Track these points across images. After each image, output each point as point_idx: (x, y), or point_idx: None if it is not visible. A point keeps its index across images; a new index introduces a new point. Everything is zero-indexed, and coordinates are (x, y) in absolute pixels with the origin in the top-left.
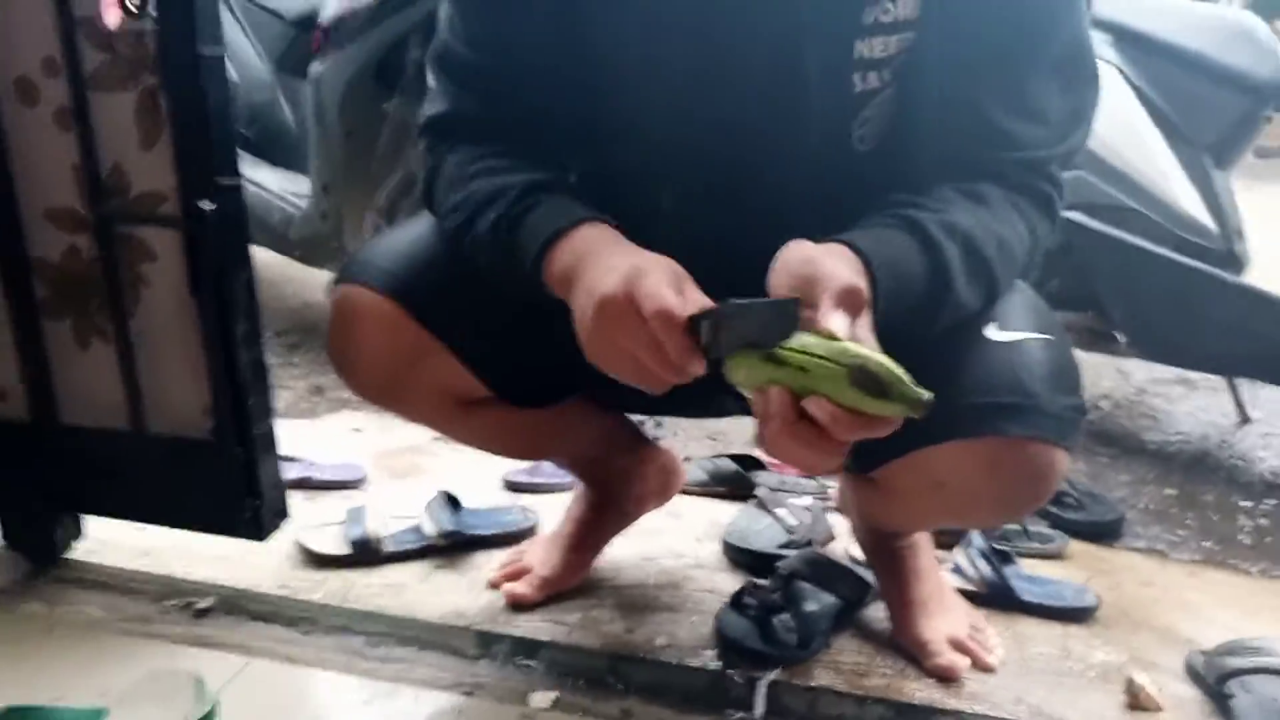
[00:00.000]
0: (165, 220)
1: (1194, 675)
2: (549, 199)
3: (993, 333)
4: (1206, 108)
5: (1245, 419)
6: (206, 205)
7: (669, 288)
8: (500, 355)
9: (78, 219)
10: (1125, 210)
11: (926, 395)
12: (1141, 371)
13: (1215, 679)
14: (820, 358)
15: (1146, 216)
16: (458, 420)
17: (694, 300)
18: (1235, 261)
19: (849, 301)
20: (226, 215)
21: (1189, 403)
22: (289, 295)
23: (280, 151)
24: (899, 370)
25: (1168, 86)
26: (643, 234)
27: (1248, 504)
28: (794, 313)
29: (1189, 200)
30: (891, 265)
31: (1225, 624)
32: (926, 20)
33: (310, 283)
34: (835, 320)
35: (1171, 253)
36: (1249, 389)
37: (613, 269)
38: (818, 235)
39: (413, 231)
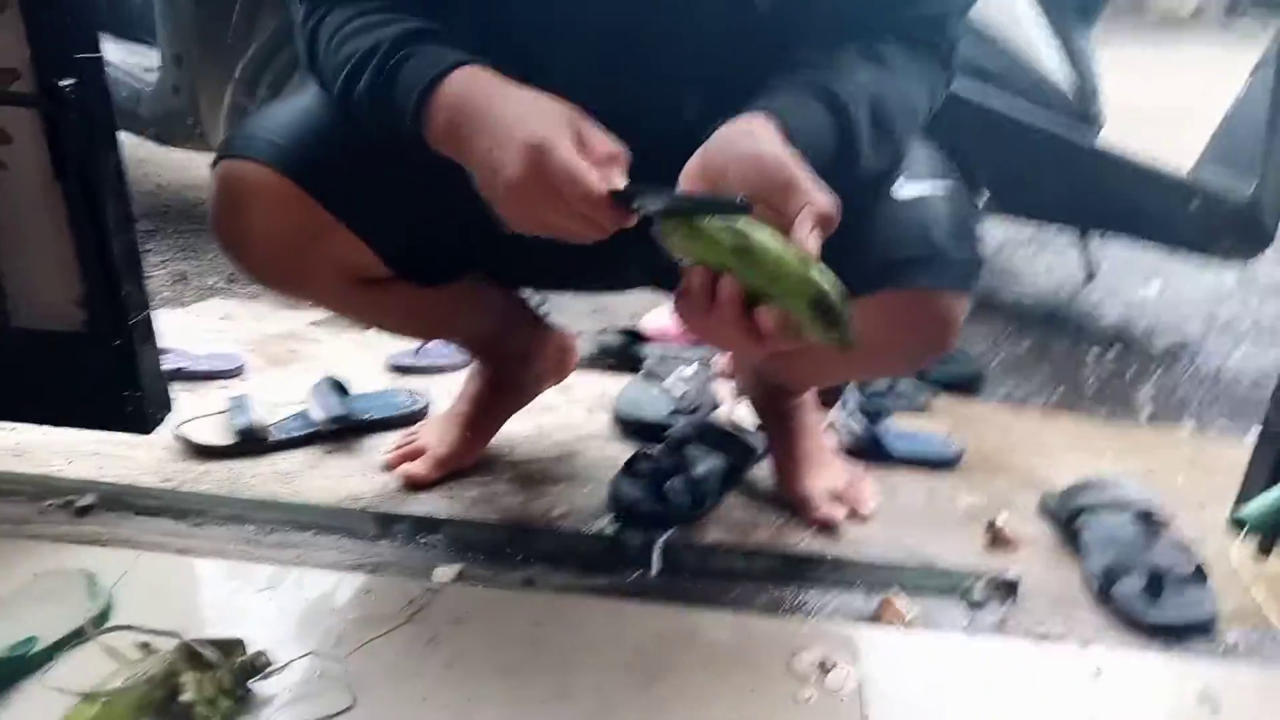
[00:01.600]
0: (20, 99)
1: (1047, 513)
2: (422, 48)
3: (900, 187)
4: None
5: (1091, 275)
6: (65, 82)
7: (576, 155)
8: (398, 231)
9: None
10: (988, 72)
11: (854, 339)
12: (1000, 231)
13: (1066, 516)
14: (791, 268)
15: (1008, 76)
16: (357, 300)
17: (601, 151)
18: (1092, 120)
19: (825, 224)
20: (89, 93)
21: (1040, 262)
22: (141, 178)
23: (124, 24)
24: (846, 305)
25: None
26: None
27: (1094, 354)
28: (743, 214)
29: (1051, 61)
30: (807, 137)
31: (1075, 465)
32: None
33: (165, 163)
34: (812, 242)
35: (1031, 109)
36: (1095, 247)
37: (507, 140)
38: (712, 99)
39: (301, 101)
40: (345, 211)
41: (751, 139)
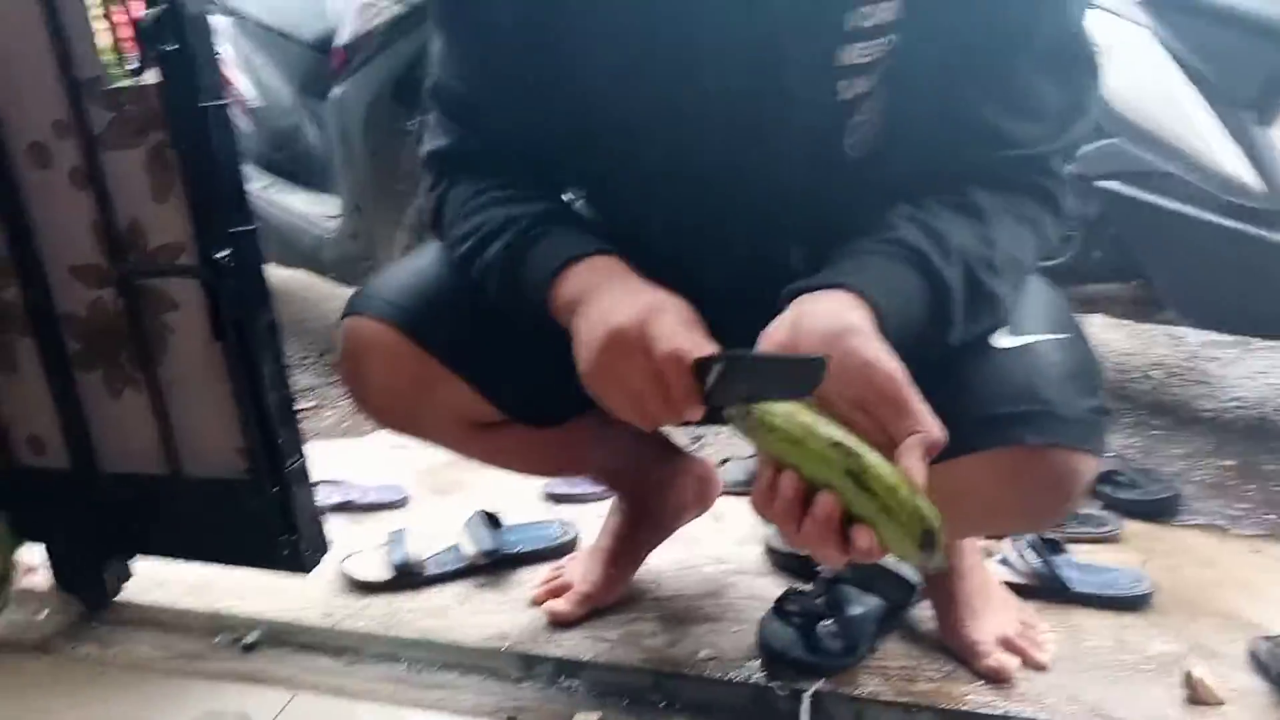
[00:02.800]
0: (184, 270)
1: (1258, 664)
2: (561, 229)
3: (1001, 339)
4: (1245, 63)
5: None
6: (223, 254)
7: (684, 329)
8: (510, 377)
9: (101, 274)
10: (1163, 175)
11: (945, 564)
12: (1195, 337)
13: None
14: (904, 501)
15: (1184, 179)
16: (475, 443)
17: (701, 342)
18: None
19: (933, 451)
20: (242, 261)
21: (1245, 365)
22: (328, 313)
23: (308, 174)
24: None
25: (1203, 44)
26: (639, 257)
27: None
28: (818, 375)
29: (1230, 160)
30: (897, 313)
31: None
32: (908, 22)
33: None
34: (919, 471)
35: (1214, 215)
36: None
37: (627, 302)
38: (813, 247)
39: (417, 261)
40: (457, 363)
41: (850, 334)
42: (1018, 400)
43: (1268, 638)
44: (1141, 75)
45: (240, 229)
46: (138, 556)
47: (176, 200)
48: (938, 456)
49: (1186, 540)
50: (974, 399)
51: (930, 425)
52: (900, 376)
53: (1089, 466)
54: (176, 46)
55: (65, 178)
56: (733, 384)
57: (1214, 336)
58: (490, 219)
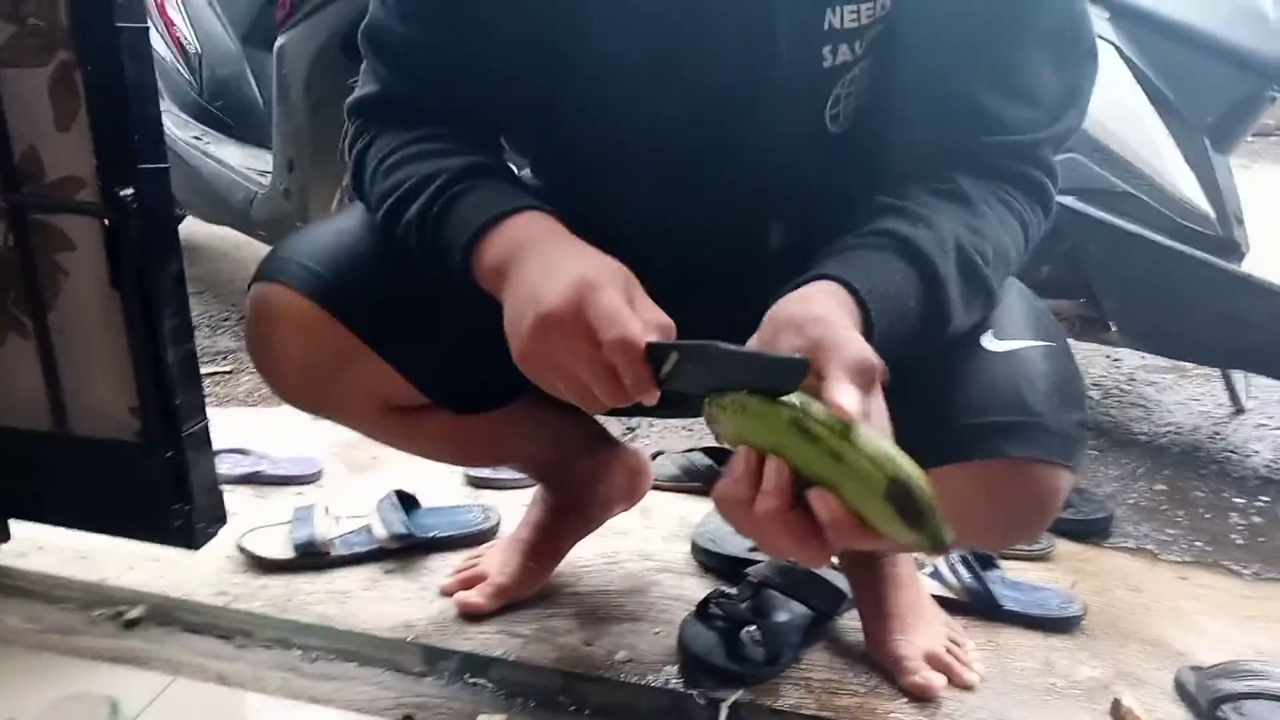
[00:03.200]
0: (83, 208)
1: (1184, 695)
2: (486, 183)
3: (990, 342)
4: (1207, 87)
5: (1239, 409)
6: (127, 192)
7: (625, 306)
8: (435, 358)
9: None
10: (1119, 194)
11: (950, 537)
12: (1133, 359)
13: (1208, 702)
14: (859, 451)
15: (1142, 201)
16: (393, 428)
17: (648, 317)
18: (1233, 248)
19: (862, 376)
20: (149, 202)
21: (1181, 392)
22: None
23: (247, 127)
24: (934, 494)
25: (1167, 65)
26: (598, 226)
27: (1240, 500)
28: (799, 375)
29: (1186, 184)
30: (888, 301)
31: (1217, 634)
32: None
33: None
34: (846, 394)
35: (1167, 239)
36: (1243, 378)
37: (557, 273)
38: (788, 222)
39: (339, 222)
40: (378, 340)
41: (804, 304)
42: (1004, 409)
43: (1195, 668)
44: (1105, 92)
45: (150, 166)
46: (13, 519)
47: (81, 130)
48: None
49: (1117, 562)
50: (957, 405)
51: (847, 349)
52: (822, 316)
53: (1068, 483)
54: None
55: None
56: (693, 373)
57: (1151, 361)
58: (413, 174)
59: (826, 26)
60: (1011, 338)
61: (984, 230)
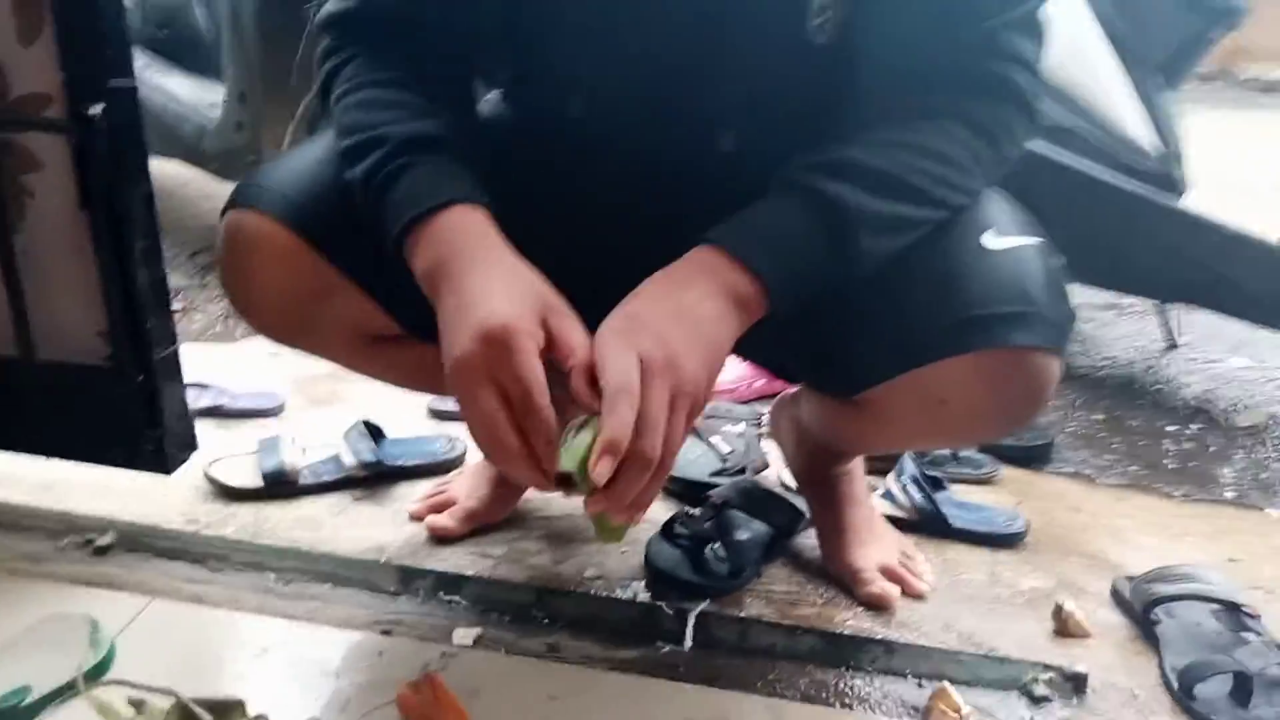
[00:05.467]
0: (50, 125)
1: (1120, 601)
2: (424, 162)
3: (990, 240)
4: (1158, 26)
5: (1172, 344)
6: (96, 109)
7: (532, 358)
8: (413, 289)
9: None
10: (1065, 130)
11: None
12: (1073, 296)
13: (1141, 605)
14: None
15: (1087, 136)
16: (368, 358)
17: (566, 349)
18: (1174, 185)
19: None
20: (119, 120)
21: (1118, 328)
22: (205, 211)
23: (194, 58)
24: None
25: (1121, 2)
26: (564, 149)
27: (1173, 428)
28: None
29: (1132, 121)
30: (774, 251)
31: (1150, 549)
32: None
33: (226, 198)
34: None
35: (1111, 174)
36: (1176, 314)
37: (469, 312)
38: (745, 131)
39: (315, 150)
40: (354, 269)
41: (631, 320)
42: (1009, 301)
43: (1129, 578)
44: (1059, 26)
45: (119, 83)
46: None
47: (46, 44)
48: (921, 358)
49: (1058, 486)
50: (961, 298)
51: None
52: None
53: (1059, 371)
54: None
55: None
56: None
57: (1093, 298)
58: (365, 127)
59: None
60: (1009, 234)
61: (922, 143)
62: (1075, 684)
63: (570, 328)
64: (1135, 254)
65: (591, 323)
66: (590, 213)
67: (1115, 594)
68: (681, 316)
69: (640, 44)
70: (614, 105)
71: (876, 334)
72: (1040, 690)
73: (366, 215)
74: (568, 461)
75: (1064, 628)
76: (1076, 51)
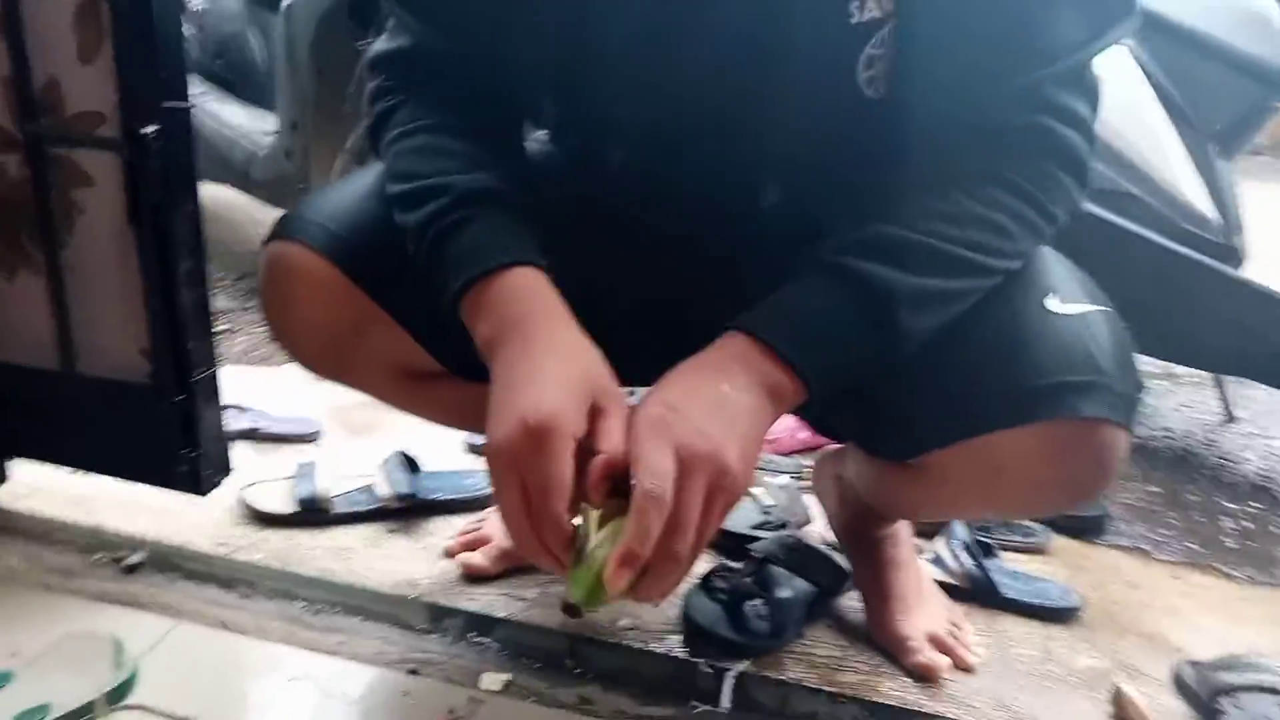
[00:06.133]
0: (103, 143)
1: (1182, 687)
2: (483, 218)
3: (1054, 305)
4: (1216, 94)
5: (1230, 417)
6: (149, 129)
7: (566, 462)
8: (454, 328)
9: (7, 137)
10: (1123, 195)
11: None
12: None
13: (1207, 694)
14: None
15: (1145, 202)
16: (407, 394)
17: (606, 441)
18: (1234, 255)
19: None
20: (171, 141)
21: (1174, 398)
22: (253, 237)
23: (248, 87)
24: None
25: (1178, 70)
26: (606, 195)
27: (1232, 506)
28: None
29: (1191, 188)
30: (807, 335)
31: (1212, 632)
32: None
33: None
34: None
35: (1170, 242)
36: (1234, 387)
37: (513, 399)
38: (790, 186)
39: (358, 184)
40: (396, 305)
41: (671, 410)
42: (1077, 370)
43: (1192, 662)
44: (1116, 92)
45: (173, 104)
46: (16, 459)
47: (104, 63)
48: (983, 426)
49: (1112, 560)
50: (1027, 365)
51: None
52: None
53: (1127, 446)
54: None
55: None
56: None
57: (1147, 368)
58: (421, 172)
59: None
60: (1074, 300)
61: (949, 211)
62: None
63: (610, 425)
64: (1193, 324)
65: (630, 370)
66: (633, 261)
67: (1177, 680)
68: (721, 409)
69: (685, 92)
70: (656, 154)
71: (933, 398)
72: None
73: (420, 264)
74: (577, 591)
75: (1123, 713)
76: (1132, 116)
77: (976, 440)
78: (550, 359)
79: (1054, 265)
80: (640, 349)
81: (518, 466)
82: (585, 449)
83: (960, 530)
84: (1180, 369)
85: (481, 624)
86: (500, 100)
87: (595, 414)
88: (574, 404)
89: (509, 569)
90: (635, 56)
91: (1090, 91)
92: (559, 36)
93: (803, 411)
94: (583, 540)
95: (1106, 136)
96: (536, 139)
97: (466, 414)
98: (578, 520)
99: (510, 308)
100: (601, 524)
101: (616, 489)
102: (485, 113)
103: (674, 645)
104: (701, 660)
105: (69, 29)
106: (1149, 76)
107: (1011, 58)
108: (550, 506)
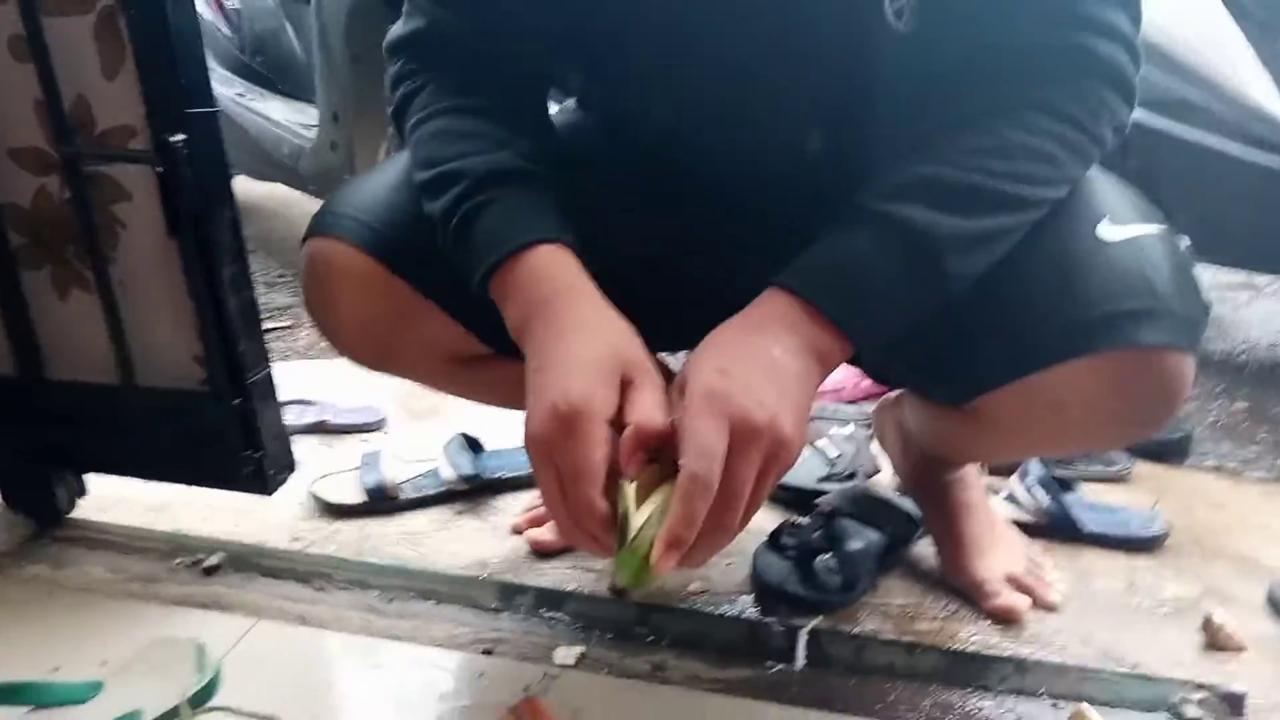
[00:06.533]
0: (135, 156)
1: (1277, 609)
2: (503, 198)
3: (1106, 230)
4: None
5: None
6: (178, 138)
7: (599, 445)
8: (496, 310)
9: (44, 159)
10: (1191, 105)
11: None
12: (1206, 277)
13: None
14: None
15: (1214, 111)
16: (456, 379)
17: (640, 415)
18: None
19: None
20: (200, 147)
21: (1256, 309)
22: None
23: (289, 81)
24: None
25: None
26: (646, 155)
27: None
28: None
29: (1262, 91)
30: (847, 289)
31: None
32: None
33: None
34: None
35: (1242, 148)
36: None
37: (546, 386)
38: (832, 129)
39: (388, 173)
40: (436, 291)
41: (722, 375)
42: (1134, 297)
43: None
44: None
45: (198, 110)
46: (92, 473)
47: (128, 76)
48: (1037, 362)
49: (1198, 482)
50: (1081, 295)
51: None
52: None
53: (1193, 369)
54: None
55: (5, 48)
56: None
57: (1226, 279)
58: (441, 157)
59: None
60: (1126, 223)
61: (989, 145)
62: (1231, 704)
63: (641, 396)
64: (1270, 230)
65: (669, 335)
66: (678, 218)
67: (1272, 601)
68: (775, 374)
69: (718, 44)
70: (692, 113)
71: (986, 338)
72: (1192, 711)
73: (448, 252)
74: (624, 575)
75: (1215, 640)
76: (1193, 17)
77: (1033, 378)
78: (578, 341)
79: (1103, 187)
80: (681, 311)
81: (551, 454)
82: (620, 425)
83: (1035, 466)
84: (1261, 278)
85: (552, 599)
86: (519, 75)
87: (626, 386)
88: (603, 384)
89: None
90: (664, 11)
91: (1130, 3)
92: (576, 3)
93: (854, 361)
94: (624, 518)
95: (1167, 44)
96: (565, 108)
97: (516, 393)
98: (623, 496)
99: (535, 289)
100: (640, 495)
101: (654, 456)
102: (504, 89)
103: (745, 606)
104: (774, 619)
105: (91, 45)
106: None
107: None
108: (583, 492)
